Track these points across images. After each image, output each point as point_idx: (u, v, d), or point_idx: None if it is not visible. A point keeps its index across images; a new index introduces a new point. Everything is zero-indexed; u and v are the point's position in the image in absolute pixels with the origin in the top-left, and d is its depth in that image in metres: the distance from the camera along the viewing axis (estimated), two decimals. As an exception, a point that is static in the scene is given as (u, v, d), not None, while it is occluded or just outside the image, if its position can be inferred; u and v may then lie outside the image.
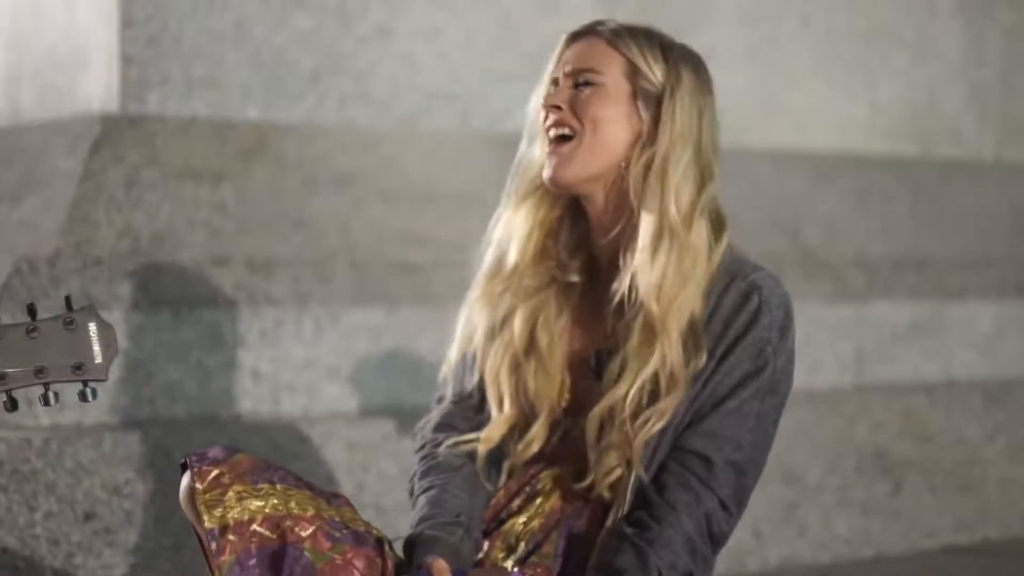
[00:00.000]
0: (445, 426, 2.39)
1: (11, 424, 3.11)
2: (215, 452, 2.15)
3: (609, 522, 2.21)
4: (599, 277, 2.32)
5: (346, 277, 3.60)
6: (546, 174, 2.27)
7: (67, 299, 1.94)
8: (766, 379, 2.21)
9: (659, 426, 2.18)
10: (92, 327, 1.92)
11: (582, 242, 2.34)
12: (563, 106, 2.26)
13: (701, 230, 2.23)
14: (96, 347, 1.92)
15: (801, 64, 4.84)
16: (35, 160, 3.77)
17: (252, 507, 2.10)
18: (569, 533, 2.26)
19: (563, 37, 2.33)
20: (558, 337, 2.32)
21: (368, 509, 3.17)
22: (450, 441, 2.35)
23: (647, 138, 2.24)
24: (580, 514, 2.27)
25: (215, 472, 2.12)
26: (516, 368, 2.31)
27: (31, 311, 1.92)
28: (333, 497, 2.20)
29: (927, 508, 4.16)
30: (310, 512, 2.12)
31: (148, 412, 3.29)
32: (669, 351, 2.18)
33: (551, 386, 2.31)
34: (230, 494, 2.11)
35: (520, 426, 2.33)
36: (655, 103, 2.24)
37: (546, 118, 2.29)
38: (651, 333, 2.19)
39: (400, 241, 3.79)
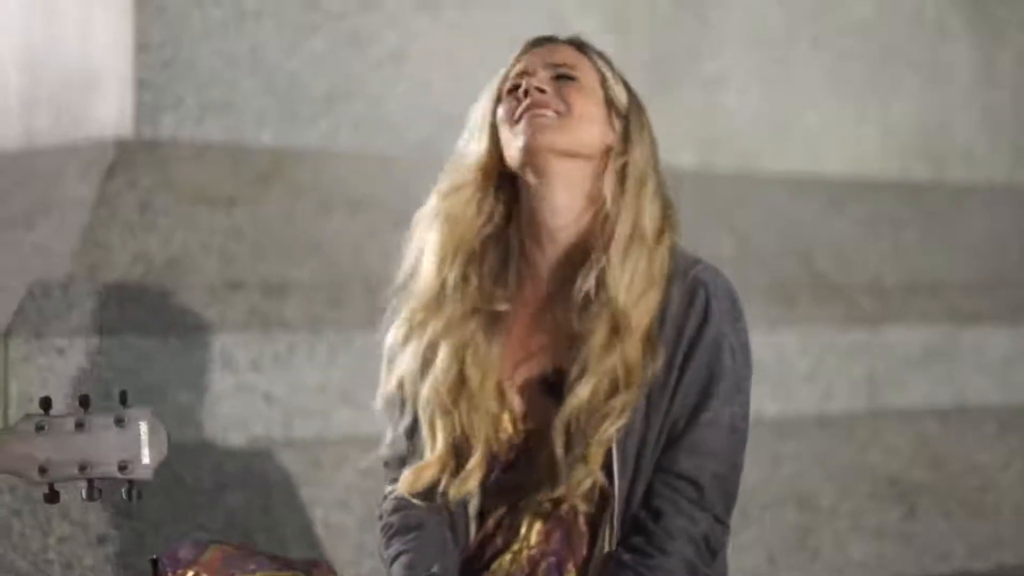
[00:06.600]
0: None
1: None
2: (185, 552, 2.12)
3: (599, 550, 2.18)
4: (537, 294, 2.25)
5: (360, 301, 3.60)
6: (517, 143, 2.19)
7: (122, 394, 1.93)
8: (731, 379, 2.19)
9: (617, 425, 2.15)
10: (143, 427, 1.91)
11: (505, 265, 2.27)
12: (547, 89, 2.21)
13: (667, 244, 2.22)
14: (145, 448, 1.91)
15: (812, 87, 4.84)
16: (49, 184, 3.78)
17: None
18: (559, 564, 2.23)
19: (524, 43, 2.30)
20: (491, 370, 2.23)
21: (381, 534, 3.17)
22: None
23: (619, 149, 2.21)
24: (565, 543, 2.23)
25: (190, 574, 2.10)
26: (447, 410, 2.22)
27: (83, 402, 1.90)
28: (313, 567, 2.18)
29: (941, 534, 4.14)
30: None
31: (161, 436, 3.29)
32: (630, 350, 2.15)
33: (485, 423, 2.22)
34: None
35: (451, 467, 2.23)
36: (623, 120, 2.23)
37: (518, 103, 2.22)
38: (615, 330, 2.16)
39: (413, 265, 3.79)
